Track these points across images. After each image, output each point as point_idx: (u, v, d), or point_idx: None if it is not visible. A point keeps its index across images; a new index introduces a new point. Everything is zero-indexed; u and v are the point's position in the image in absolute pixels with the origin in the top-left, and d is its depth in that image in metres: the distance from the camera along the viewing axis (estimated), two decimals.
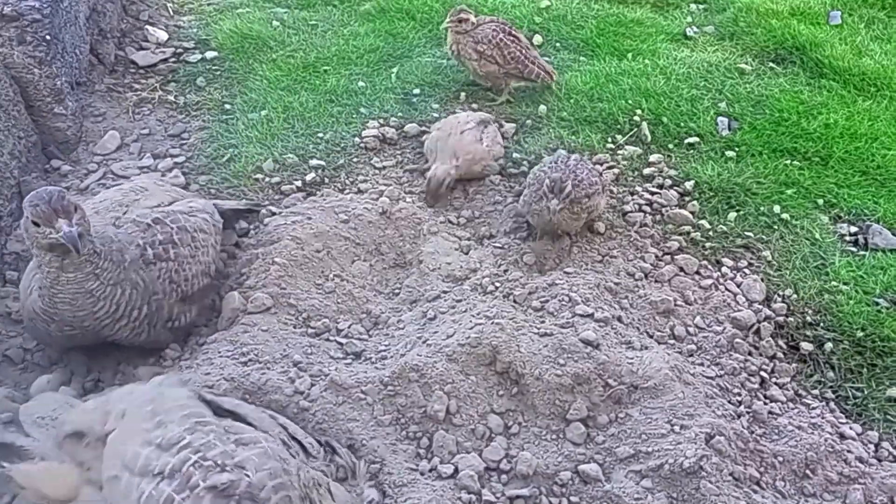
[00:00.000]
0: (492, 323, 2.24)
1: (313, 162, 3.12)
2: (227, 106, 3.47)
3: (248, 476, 1.55)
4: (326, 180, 3.06)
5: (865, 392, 2.37)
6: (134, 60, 3.78)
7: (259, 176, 3.05)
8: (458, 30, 3.36)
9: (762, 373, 2.33)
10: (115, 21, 3.84)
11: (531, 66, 3.39)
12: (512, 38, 3.40)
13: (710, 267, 2.67)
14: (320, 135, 3.27)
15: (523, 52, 3.39)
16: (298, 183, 3.02)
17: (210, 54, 3.81)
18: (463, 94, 3.51)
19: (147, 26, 3.98)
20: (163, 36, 3.95)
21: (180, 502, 1.53)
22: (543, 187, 2.61)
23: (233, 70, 3.71)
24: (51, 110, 3.13)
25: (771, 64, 3.76)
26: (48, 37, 3.04)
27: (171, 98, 3.54)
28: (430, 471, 1.96)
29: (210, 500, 1.52)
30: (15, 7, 2.97)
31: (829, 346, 2.47)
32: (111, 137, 3.27)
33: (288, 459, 1.66)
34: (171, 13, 4.16)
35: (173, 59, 3.80)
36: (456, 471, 1.96)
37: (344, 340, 2.34)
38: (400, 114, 3.38)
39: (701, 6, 4.29)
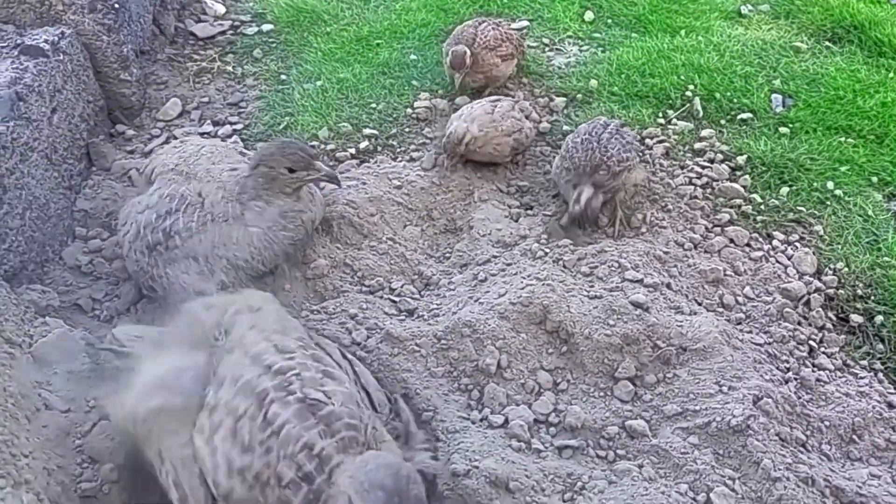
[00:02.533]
0: (542, 284, 2.29)
1: (367, 131, 3.20)
2: (283, 77, 3.57)
3: (333, 405, 1.65)
4: (379, 148, 3.13)
5: None
6: (193, 32, 3.89)
7: (314, 143, 3.13)
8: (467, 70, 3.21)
9: (811, 342, 2.34)
10: None
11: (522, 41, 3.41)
12: (499, 24, 3.36)
13: (760, 239, 2.68)
14: (373, 105, 3.34)
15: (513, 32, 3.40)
16: (352, 150, 3.10)
17: (266, 27, 3.90)
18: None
19: None
20: (220, 9, 4.06)
21: (271, 399, 1.63)
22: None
23: (288, 42, 3.80)
24: (117, 76, 3.25)
25: (827, 42, 3.71)
26: (116, 5, 3.16)
27: (230, 69, 3.65)
28: (481, 420, 2.02)
29: (296, 409, 1.63)
30: None
31: (879, 318, 2.45)
32: (173, 104, 3.39)
33: (363, 408, 1.74)
34: None
35: (231, 32, 3.91)
36: (506, 421, 2.02)
37: (397, 298, 2.42)
38: (451, 86, 3.43)
39: None
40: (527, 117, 3.14)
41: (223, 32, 3.91)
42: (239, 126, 3.30)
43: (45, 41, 2.88)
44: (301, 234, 2.45)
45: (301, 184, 2.42)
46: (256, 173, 2.38)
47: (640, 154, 2.83)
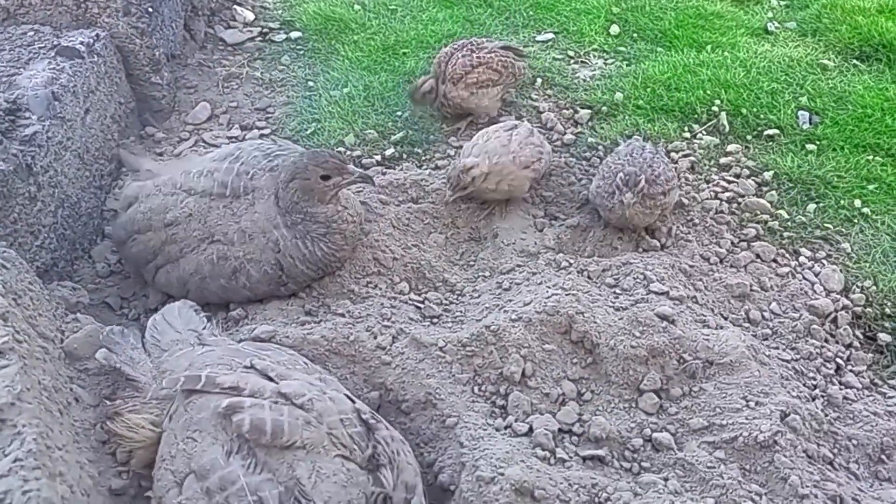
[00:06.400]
0: (567, 294, 2.29)
1: (393, 138, 3.23)
2: (311, 83, 3.61)
3: None
4: (405, 156, 3.15)
5: None
6: (223, 38, 3.95)
7: (341, 149, 3.16)
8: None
9: (838, 359, 2.32)
10: (205, 0, 4.02)
11: (517, 63, 3.20)
12: (480, 46, 3.15)
13: (787, 256, 2.67)
14: (399, 113, 3.37)
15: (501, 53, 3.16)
16: (378, 157, 3.12)
17: (294, 34, 3.95)
18: (539, 79, 3.57)
19: (235, 6, 4.15)
20: (249, 16, 4.12)
21: None
22: (616, 180, 2.54)
23: (316, 50, 3.85)
24: (148, 79, 3.30)
25: (855, 61, 3.70)
26: (150, 9, 3.21)
27: (258, 74, 3.70)
28: (506, 428, 2.02)
29: None
30: None
31: None
32: (202, 108, 3.44)
33: None
34: None
35: (259, 38, 3.96)
36: (531, 429, 2.02)
37: (422, 305, 2.43)
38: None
39: (782, 2, 4.24)
40: (547, 139, 3.03)
41: (252, 39, 3.97)
42: (266, 131, 3.34)
43: (81, 43, 2.93)
44: (341, 242, 2.44)
45: (337, 190, 2.40)
46: (292, 187, 2.35)
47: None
